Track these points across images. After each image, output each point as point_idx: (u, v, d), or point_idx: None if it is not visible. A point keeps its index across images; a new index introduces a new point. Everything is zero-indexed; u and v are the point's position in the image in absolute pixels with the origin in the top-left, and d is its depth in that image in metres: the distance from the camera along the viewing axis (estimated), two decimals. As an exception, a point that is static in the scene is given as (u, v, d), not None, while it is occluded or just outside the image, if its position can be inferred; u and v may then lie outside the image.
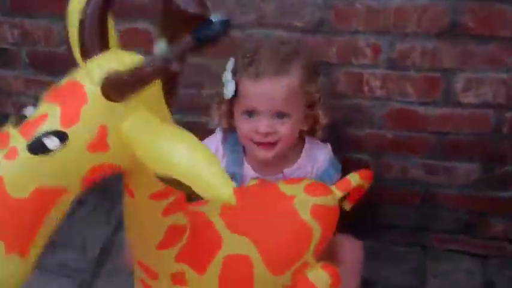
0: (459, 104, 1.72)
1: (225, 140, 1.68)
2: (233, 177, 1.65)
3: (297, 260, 1.33)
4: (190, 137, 0.76)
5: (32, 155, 0.73)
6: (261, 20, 1.70)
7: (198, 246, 1.13)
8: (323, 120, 1.62)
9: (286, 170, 1.66)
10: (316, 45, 1.70)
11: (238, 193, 0.77)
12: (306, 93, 1.56)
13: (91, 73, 0.77)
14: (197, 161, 0.72)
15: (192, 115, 1.82)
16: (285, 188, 1.47)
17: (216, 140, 1.67)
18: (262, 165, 1.65)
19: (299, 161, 1.67)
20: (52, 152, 0.73)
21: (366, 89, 1.74)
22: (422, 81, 1.70)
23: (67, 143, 0.74)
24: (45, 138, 0.73)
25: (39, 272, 1.95)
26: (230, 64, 1.54)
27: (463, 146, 1.81)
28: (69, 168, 0.75)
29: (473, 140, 1.79)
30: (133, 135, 0.77)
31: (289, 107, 1.51)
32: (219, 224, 1.21)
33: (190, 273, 1.13)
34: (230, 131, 1.66)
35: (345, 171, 1.65)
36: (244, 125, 1.55)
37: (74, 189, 0.77)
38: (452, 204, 1.97)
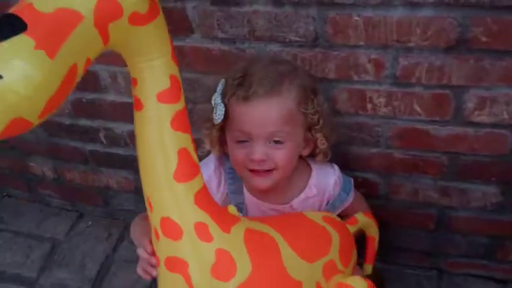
0: (471, 124, 1.57)
1: (221, 165, 1.56)
2: (238, 208, 1.54)
3: (323, 253, 1.32)
4: None
5: None
6: (252, 33, 1.56)
7: (216, 203, 1.20)
8: (323, 144, 1.49)
9: (295, 200, 1.55)
10: (313, 61, 1.56)
11: None
12: (303, 115, 1.43)
13: None
14: None
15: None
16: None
17: (208, 169, 1.54)
18: (263, 194, 1.53)
19: (307, 190, 1.56)
20: None
21: (369, 106, 1.61)
22: (430, 99, 1.56)
23: None
24: None
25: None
26: (220, 86, 1.42)
27: (479, 168, 1.67)
28: None
29: (489, 161, 1.64)
30: None
31: (284, 130, 1.39)
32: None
33: (213, 226, 1.13)
34: (226, 155, 1.54)
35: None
36: (236, 152, 1.44)
37: (88, 16, 0.87)
38: (469, 228, 1.84)
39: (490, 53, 1.45)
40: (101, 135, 2.02)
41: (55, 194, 2.36)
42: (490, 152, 1.63)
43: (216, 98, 1.40)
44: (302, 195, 1.57)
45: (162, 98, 1.05)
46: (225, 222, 1.16)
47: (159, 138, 1.08)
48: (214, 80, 1.48)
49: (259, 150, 1.39)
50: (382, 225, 1.76)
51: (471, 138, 1.61)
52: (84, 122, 2.00)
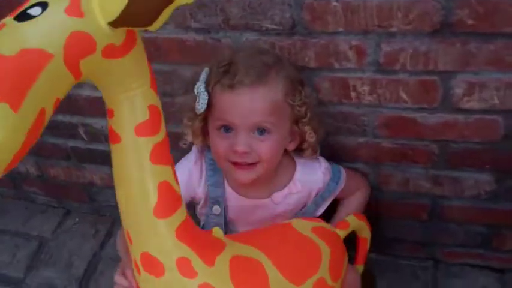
0: (461, 110, 1.49)
1: (202, 158, 1.50)
2: (216, 202, 1.48)
3: (312, 272, 1.26)
4: None
5: (18, 23, 0.79)
6: (227, 22, 1.48)
7: (200, 233, 1.14)
8: (311, 137, 1.42)
9: (276, 194, 1.48)
10: (292, 49, 1.48)
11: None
12: (290, 107, 1.36)
13: None
14: None
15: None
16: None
17: (188, 162, 1.48)
18: (245, 188, 1.46)
19: (290, 185, 1.49)
20: (35, 18, 0.80)
21: (353, 95, 1.53)
22: (416, 86, 1.48)
23: (47, 9, 0.81)
24: (28, 9, 0.81)
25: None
26: (203, 74, 1.35)
27: (471, 155, 1.60)
28: (50, 31, 0.80)
29: (481, 148, 1.57)
30: None
31: (269, 121, 1.33)
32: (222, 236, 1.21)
33: (196, 261, 1.06)
34: (208, 147, 1.47)
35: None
36: (219, 143, 1.37)
37: (58, 54, 0.80)
38: (463, 217, 1.77)
39: (477, 36, 1.37)
40: (81, 131, 1.96)
41: (40, 191, 2.31)
42: (481, 139, 1.55)
43: (200, 87, 1.34)
44: (285, 190, 1.50)
45: (140, 131, 0.98)
46: (209, 254, 1.10)
47: (138, 173, 1.00)
48: (191, 70, 1.44)
49: (242, 141, 1.33)
50: (374, 217, 1.71)
51: (461, 125, 1.54)
52: (62, 118, 1.94)
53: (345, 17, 1.42)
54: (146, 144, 0.99)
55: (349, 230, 1.52)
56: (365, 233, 1.61)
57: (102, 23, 0.84)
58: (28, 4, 0.83)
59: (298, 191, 1.51)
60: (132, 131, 0.97)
